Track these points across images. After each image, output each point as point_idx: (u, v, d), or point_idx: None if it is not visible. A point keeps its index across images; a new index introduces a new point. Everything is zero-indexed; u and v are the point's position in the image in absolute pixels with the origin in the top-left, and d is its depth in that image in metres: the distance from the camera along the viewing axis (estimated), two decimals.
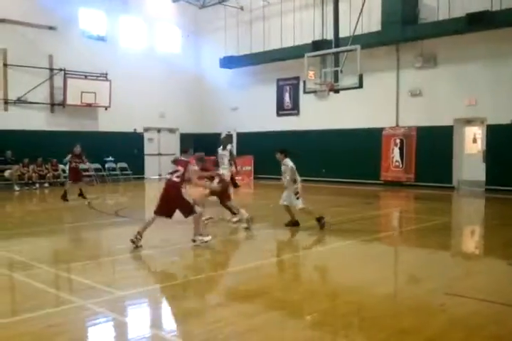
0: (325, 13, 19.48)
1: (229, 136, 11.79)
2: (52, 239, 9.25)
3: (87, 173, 20.19)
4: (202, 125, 24.24)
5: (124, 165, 21.70)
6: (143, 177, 22.44)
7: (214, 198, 10.07)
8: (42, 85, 19.68)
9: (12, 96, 18.99)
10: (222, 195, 9.89)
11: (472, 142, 17.27)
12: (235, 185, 15.90)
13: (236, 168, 12.37)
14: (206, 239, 7.92)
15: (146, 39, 23.22)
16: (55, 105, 20.19)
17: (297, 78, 20.37)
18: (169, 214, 7.78)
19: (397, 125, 18.47)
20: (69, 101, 19.97)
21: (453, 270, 6.70)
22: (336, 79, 15.25)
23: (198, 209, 7.93)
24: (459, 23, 15.52)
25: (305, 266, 7.34)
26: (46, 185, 18.85)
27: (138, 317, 4.98)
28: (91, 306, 5.00)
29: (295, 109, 21.54)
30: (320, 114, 20.07)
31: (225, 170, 11.03)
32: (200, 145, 23.92)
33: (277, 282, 6.29)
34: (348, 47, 14.79)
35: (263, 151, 18.27)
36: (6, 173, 18.03)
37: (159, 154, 23.84)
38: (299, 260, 7.72)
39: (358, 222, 10.65)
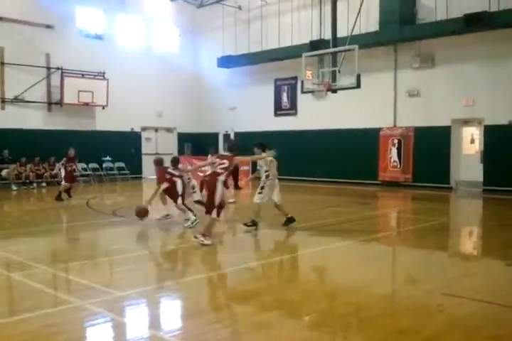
0: (323, 13, 19.48)
1: (175, 158, 12.27)
2: (50, 238, 9.23)
3: (84, 173, 20.25)
4: (199, 124, 24.23)
5: (121, 164, 21.66)
6: (141, 177, 22.40)
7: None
8: (39, 84, 19.63)
9: (9, 95, 18.95)
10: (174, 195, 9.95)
11: (470, 142, 17.29)
12: (236, 187, 16.00)
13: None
14: (206, 242, 7.85)
15: (143, 38, 23.18)
16: (52, 104, 20.14)
17: (295, 78, 20.37)
18: (208, 210, 8.01)
19: (395, 125, 18.49)
20: (66, 100, 19.92)
21: (451, 270, 6.71)
22: (334, 79, 15.26)
23: (214, 215, 7.92)
24: (456, 24, 15.54)
25: (303, 266, 7.34)
26: (43, 184, 18.80)
27: (136, 317, 4.97)
28: (89, 306, 4.99)
29: (293, 108, 21.54)
30: (318, 113, 20.06)
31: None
32: (198, 145, 24.01)
33: (276, 282, 6.28)
34: (346, 47, 14.80)
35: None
36: (3, 173, 17.98)
37: (157, 154, 23.74)
38: (297, 260, 7.72)
39: (355, 223, 10.66)
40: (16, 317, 4.76)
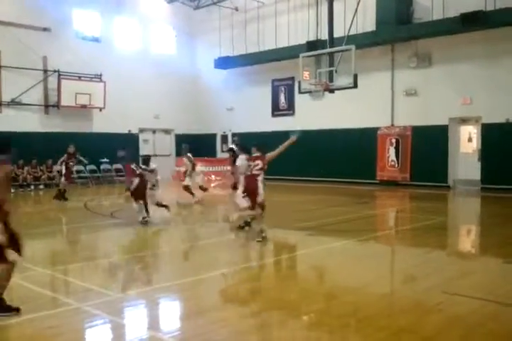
0: (319, 14, 19.50)
1: (147, 158, 12.74)
2: (48, 240, 9.21)
3: (82, 175, 20.21)
4: (197, 126, 24.21)
5: (119, 166, 21.60)
6: None
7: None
8: (36, 87, 19.61)
9: (6, 97, 18.93)
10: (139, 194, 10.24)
11: (467, 141, 17.31)
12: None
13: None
14: (264, 235, 8.22)
15: (140, 40, 23.17)
16: (50, 106, 20.12)
17: (292, 78, 20.37)
18: (252, 207, 8.40)
19: (393, 124, 18.50)
20: (63, 103, 19.90)
21: (449, 269, 6.70)
22: (331, 79, 15.28)
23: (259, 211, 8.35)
24: (453, 23, 15.56)
25: (302, 265, 7.33)
26: (41, 186, 18.78)
27: (135, 318, 4.96)
28: (88, 308, 4.98)
29: (290, 109, 21.55)
30: (315, 114, 20.07)
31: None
32: (195, 146, 24.03)
33: (274, 282, 6.28)
34: (343, 48, 14.82)
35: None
36: None
37: (155, 155, 23.69)
38: (296, 260, 7.72)
39: (354, 222, 10.66)
40: (15, 320, 4.74)
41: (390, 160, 18.48)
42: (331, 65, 15.50)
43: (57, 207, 13.55)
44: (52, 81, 19.98)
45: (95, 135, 20.96)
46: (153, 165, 10.67)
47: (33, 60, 19.35)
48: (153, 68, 22.79)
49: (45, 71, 19.91)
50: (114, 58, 21.64)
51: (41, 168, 19.04)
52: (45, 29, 19.76)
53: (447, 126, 17.17)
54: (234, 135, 18.84)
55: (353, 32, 16.60)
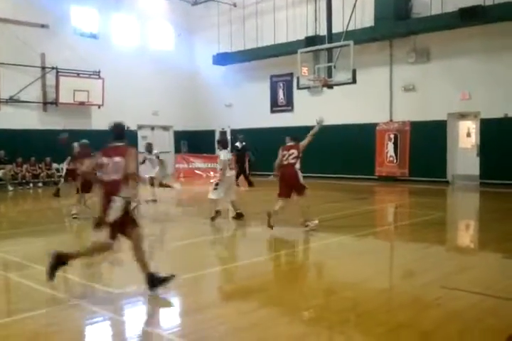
0: (318, 9, 19.45)
1: (149, 144, 13.37)
2: (47, 238, 9.19)
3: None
4: (196, 122, 24.18)
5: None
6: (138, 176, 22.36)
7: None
8: (34, 84, 19.56)
9: (4, 95, 18.86)
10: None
11: (466, 136, 17.31)
12: (250, 184, 17.24)
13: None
14: (313, 224, 8.75)
15: (138, 36, 23.11)
16: (48, 104, 20.07)
17: (291, 74, 20.33)
18: (289, 195, 8.81)
19: (391, 120, 18.49)
20: (62, 100, 19.84)
21: (448, 264, 6.72)
22: (330, 75, 15.25)
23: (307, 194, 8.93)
24: (451, 18, 15.53)
25: (300, 261, 7.35)
26: (40, 184, 18.77)
27: (134, 315, 4.98)
28: (87, 305, 4.99)
29: (289, 105, 21.52)
30: (314, 110, 20.00)
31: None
32: (194, 142, 24.00)
33: (273, 278, 6.29)
34: (341, 43, 14.79)
35: (257, 148, 18.24)
36: (0, 173, 17.94)
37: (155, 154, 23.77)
38: (294, 256, 7.73)
39: (352, 217, 10.68)
40: (14, 317, 4.76)
41: (388, 155, 18.48)
42: (330, 60, 15.47)
43: (57, 205, 13.55)
44: (51, 78, 19.92)
45: (94, 132, 20.91)
46: (155, 151, 11.13)
47: (31, 56, 19.28)
48: (152, 64, 22.74)
49: (43, 68, 19.84)
50: (112, 55, 21.58)
51: (40, 165, 19.02)
52: (43, 26, 19.69)
53: (446, 121, 17.16)
54: (238, 133, 18.91)
55: (351, 27, 16.56)
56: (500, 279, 5.94)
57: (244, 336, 4.30)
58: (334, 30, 15.95)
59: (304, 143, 8.96)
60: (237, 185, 17.34)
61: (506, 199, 13.60)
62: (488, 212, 11.44)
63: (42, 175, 18.85)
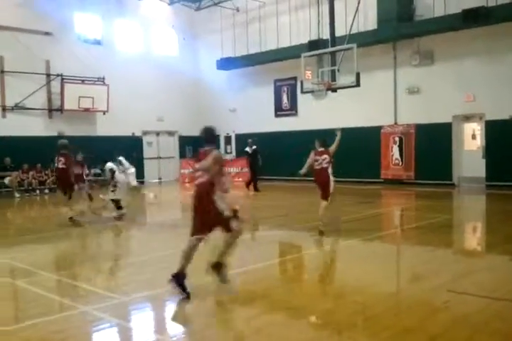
0: (321, 13, 19.45)
1: (119, 151, 13.41)
2: (54, 245, 9.23)
3: (86, 178, 20.21)
4: (201, 127, 24.04)
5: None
6: (143, 181, 22.39)
7: None
8: (39, 91, 19.67)
9: (10, 102, 18.99)
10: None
11: (471, 138, 17.24)
12: (256, 189, 17.37)
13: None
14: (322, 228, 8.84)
15: (142, 42, 23.20)
16: (53, 110, 20.17)
17: (294, 78, 20.35)
18: (325, 197, 9.18)
19: (396, 123, 18.46)
20: (67, 107, 19.94)
21: (455, 267, 6.69)
22: (334, 79, 15.25)
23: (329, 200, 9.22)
24: (454, 20, 15.50)
25: (308, 266, 7.33)
26: (46, 191, 18.83)
27: (141, 322, 4.97)
28: (94, 312, 4.99)
29: (293, 109, 21.53)
30: (318, 113, 20.04)
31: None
32: (199, 148, 24.00)
33: (281, 283, 6.28)
34: (345, 46, 14.78)
35: (262, 152, 18.24)
36: (6, 180, 18.02)
37: (159, 157, 23.84)
38: (301, 260, 7.71)
39: (359, 221, 10.65)
40: (22, 324, 4.77)
41: (394, 158, 18.44)
42: (333, 64, 15.47)
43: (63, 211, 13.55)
44: (56, 85, 20.02)
45: (99, 138, 21.00)
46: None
47: (35, 64, 19.40)
48: (156, 70, 22.81)
49: (48, 75, 19.96)
50: (116, 61, 21.68)
51: (46, 172, 19.09)
52: (47, 33, 19.82)
53: (451, 123, 17.11)
54: (248, 138, 18.92)
55: (354, 30, 16.58)
56: (508, 282, 5.91)
57: None
58: (337, 34, 15.95)
59: (332, 148, 9.52)
60: (249, 189, 17.42)
61: None
62: (495, 214, 11.39)
63: (48, 181, 18.91)
